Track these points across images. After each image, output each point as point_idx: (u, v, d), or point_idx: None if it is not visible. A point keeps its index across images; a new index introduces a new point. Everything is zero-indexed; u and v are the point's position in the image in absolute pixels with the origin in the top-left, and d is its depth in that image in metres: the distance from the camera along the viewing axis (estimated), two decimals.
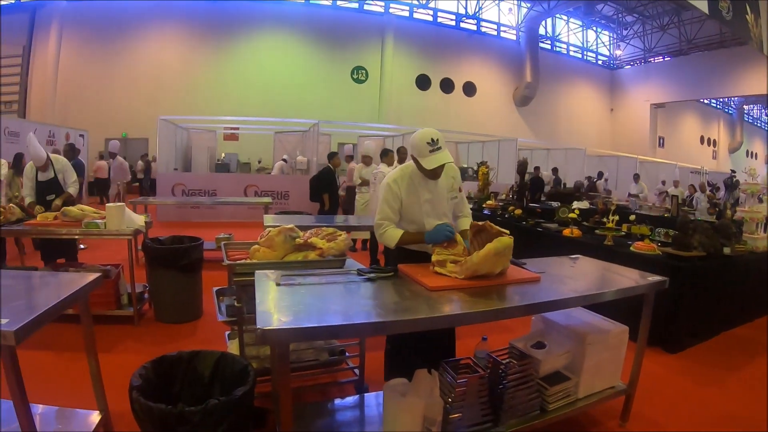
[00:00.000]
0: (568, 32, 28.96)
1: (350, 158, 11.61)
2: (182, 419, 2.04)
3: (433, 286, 2.62)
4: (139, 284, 5.04)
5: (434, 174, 3.02)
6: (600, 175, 17.39)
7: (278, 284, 2.53)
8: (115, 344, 4.26)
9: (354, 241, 9.25)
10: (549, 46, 27.99)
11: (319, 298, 2.41)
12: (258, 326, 1.92)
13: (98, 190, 15.36)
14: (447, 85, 24.43)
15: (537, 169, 16.08)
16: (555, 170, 17.29)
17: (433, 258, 2.90)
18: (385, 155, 8.04)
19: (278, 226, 3.38)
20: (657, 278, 3.19)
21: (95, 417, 2.67)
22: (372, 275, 2.77)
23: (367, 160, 8.89)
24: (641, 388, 3.56)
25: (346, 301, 2.43)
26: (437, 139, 2.88)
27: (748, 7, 8.60)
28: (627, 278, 3.24)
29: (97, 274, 2.64)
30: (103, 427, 2.70)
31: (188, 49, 19.28)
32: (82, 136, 14.44)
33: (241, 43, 19.98)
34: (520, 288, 2.82)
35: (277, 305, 2.22)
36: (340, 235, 3.37)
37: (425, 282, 2.66)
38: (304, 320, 2.04)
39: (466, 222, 3.31)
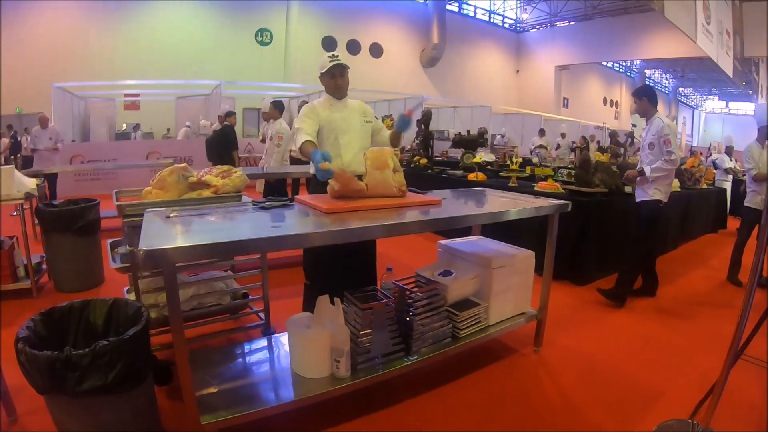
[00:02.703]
0: None
1: None
2: (70, 364, 1.89)
3: (328, 208, 2.54)
4: (35, 255, 4.73)
5: (336, 86, 3.33)
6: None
7: (168, 217, 2.35)
8: (13, 319, 3.89)
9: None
10: (456, 9, 28.03)
11: (210, 225, 2.28)
12: (141, 247, 1.78)
13: None
14: (353, 47, 23.91)
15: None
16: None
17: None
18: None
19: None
20: (560, 201, 3.22)
21: None
22: (266, 204, 2.63)
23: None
24: (554, 317, 3.66)
25: (239, 225, 2.30)
26: (338, 55, 3.32)
27: None
28: (531, 201, 3.27)
29: None
30: (2, 400, 2.49)
31: (81, 11, 17.83)
32: None
33: (138, 4, 18.72)
34: (421, 208, 2.82)
35: (164, 233, 2.08)
36: (236, 171, 3.22)
37: (321, 206, 2.59)
38: (191, 239, 1.92)
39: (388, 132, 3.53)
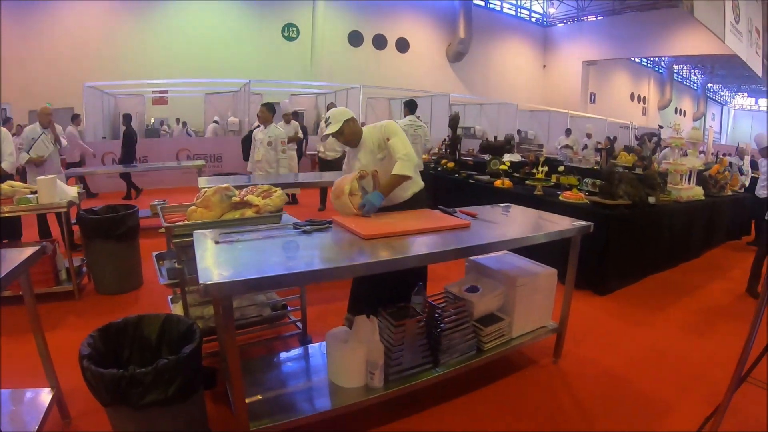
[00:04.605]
0: None
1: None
2: (134, 381, 2.06)
3: (366, 234, 2.71)
4: (76, 258, 4.92)
5: (345, 142, 3.59)
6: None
7: (217, 242, 2.55)
8: (58, 321, 4.16)
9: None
10: (483, 3, 27.83)
11: (258, 252, 2.47)
12: (200, 281, 1.96)
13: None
14: (380, 42, 23.93)
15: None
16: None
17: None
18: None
19: (213, 186, 3.37)
20: (583, 223, 3.34)
21: (47, 394, 2.65)
22: (308, 228, 2.82)
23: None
24: (573, 328, 3.77)
25: (284, 253, 2.49)
26: (328, 117, 3.47)
27: None
28: (554, 223, 3.39)
29: (35, 248, 2.57)
30: (57, 403, 2.69)
31: (111, 11, 18.17)
32: (4, 109, 13.59)
33: (165, 3, 19.00)
34: (450, 234, 2.95)
35: (217, 261, 2.26)
36: (276, 191, 3.39)
37: (359, 231, 2.75)
38: (245, 273, 2.10)
39: (395, 167, 3.34)
